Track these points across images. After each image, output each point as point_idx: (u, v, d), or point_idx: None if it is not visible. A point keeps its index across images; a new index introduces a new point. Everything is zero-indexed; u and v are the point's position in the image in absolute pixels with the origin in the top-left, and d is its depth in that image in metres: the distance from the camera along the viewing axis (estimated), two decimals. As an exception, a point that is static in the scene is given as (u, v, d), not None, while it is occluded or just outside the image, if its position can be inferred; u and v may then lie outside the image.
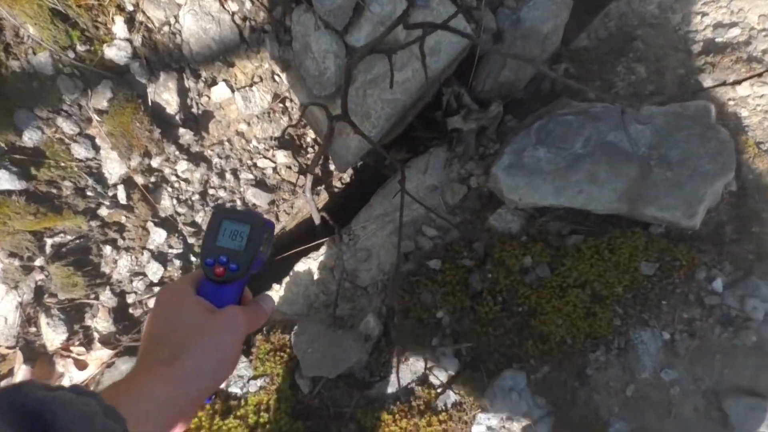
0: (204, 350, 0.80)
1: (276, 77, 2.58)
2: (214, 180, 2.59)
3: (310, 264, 2.67)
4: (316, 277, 2.64)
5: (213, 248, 0.91)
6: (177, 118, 2.38)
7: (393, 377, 2.24)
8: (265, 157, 2.68)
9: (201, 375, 0.79)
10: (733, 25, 2.53)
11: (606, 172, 2.19)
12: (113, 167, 2.29)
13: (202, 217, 2.59)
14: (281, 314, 2.60)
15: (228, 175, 2.62)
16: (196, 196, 2.56)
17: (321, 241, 2.72)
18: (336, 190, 2.98)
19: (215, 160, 2.59)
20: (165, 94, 2.32)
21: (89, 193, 2.27)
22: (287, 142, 2.75)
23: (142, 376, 0.76)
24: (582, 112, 2.26)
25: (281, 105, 2.65)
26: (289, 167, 2.75)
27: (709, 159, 2.12)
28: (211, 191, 2.61)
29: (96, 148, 2.26)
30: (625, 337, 2.12)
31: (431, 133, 2.72)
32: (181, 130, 2.41)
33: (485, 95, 2.53)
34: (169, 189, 2.49)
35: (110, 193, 2.33)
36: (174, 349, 0.79)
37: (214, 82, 2.46)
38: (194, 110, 2.47)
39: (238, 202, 2.67)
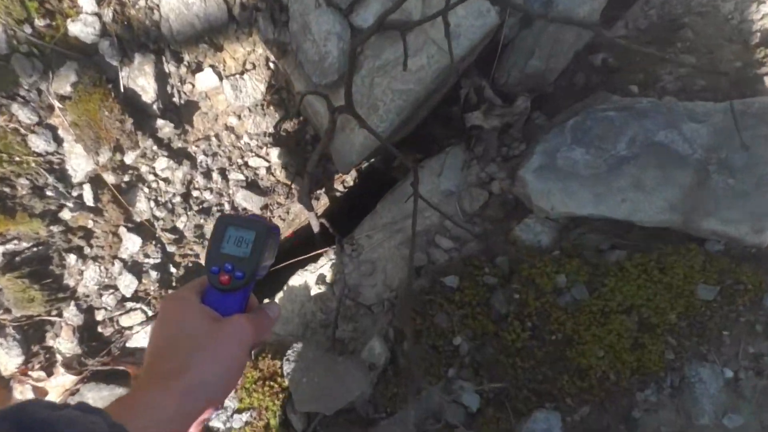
0: (210, 361, 0.79)
1: (271, 64, 2.25)
2: (199, 180, 2.27)
3: (307, 277, 2.34)
4: (313, 292, 2.30)
5: (217, 256, 0.90)
6: (154, 107, 2.05)
7: (402, 414, 1.91)
8: (257, 156, 2.36)
9: (207, 387, 0.78)
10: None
11: (655, 178, 1.86)
12: (78, 163, 1.97)
13: (184, 223, 2.26)
14: (273, 335, 2.27)
15: (215, 175, 2.30)
16: (178, 199, 2.23)
17: (320, 251, 2.39)
18: (337, 194, 2.65)
19: (200, 157, 2.27)
20: (140, 80, 1.99)
21: (49, 193, 1.94)
22: (283, 139, 2.42)
23: (147, 390, 0.75)
24: (625, 108, 1.93)
25: (277, 96, 2.32)
26: (285, 167, 2.42)
27: (779, 164, 1.79)
28: (195, 193, 2.28)
29: (58, 141, 1.94)
30: (679, 374, 1.79)
31: (447, 130, 2.40)
32: (160, 122, 2.08)
33: (510, 88, 2.21)
34: (146, 190, 2.16)
35: (74, 193, 2.00)
36: (179, 361, 0.78)
37: (198, 68, 2.13)
38: (175, 99, 2.14)
39: (227, 206, 2.34)
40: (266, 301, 2.36)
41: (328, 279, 2.31)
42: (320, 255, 2.38)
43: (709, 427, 1.75)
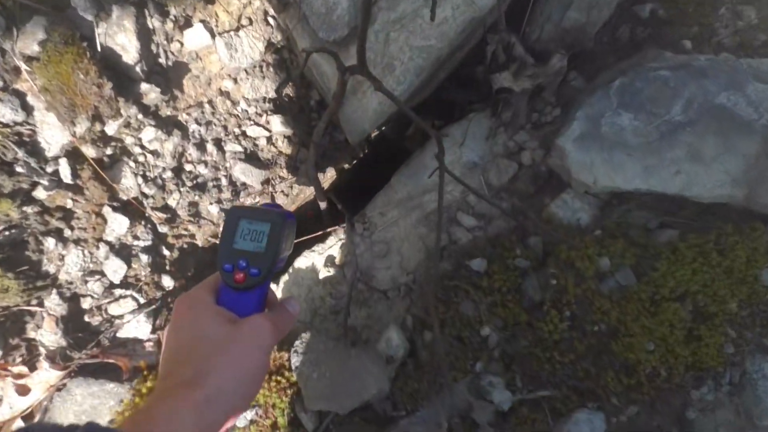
0: (229, 368, 0.75)
1: (270, 19, 1.99)
2: (192, 153, 2.02)
3: (315, 259, 2.12)
4: (321, 275, 2.08)
5: (230, 252, 0.86)
6: (137, 69, 1.79)
7: (424, 412, 1.71)
8: (257, 124, 2.11)
9: (228, 395, 0.74)
10: None
11: (714, 147, 1.62)
12: (52, 135, 1.72)
13: (176, 200, 2.03)
14: (278, 322, 2.05)
15: (210, 147, 2.05)
16: (169, 173, 1.99)
17: (328, 230, 2.16)
18: (346, 166, 2.41)
19: (192, 126, 2.02)
20: (120, 37, 1.73)
21: (20, 170, 1.70)
22: (285, 105, 2.17)
23: (164, 401, 0.70)
24: (681, 66, 1.68)
25: (277, 56, 2.06)
26: (288, 137, 2.18)
27: None
28: (188, 167, 2.04)
29: (27, 109, 1.68)
30: (739, 369, 1.59)
31: (470, 94, 2.14)
32: (144, 86, 1.83)
33: (543, 45, 1.95)
34: (132, 164, 1.92)
35: (49, 169, 1.75)
36: (196, 369, 0.74)
37: (187, 23, 1.87)
38: (162, 60, 1.88)
39: (224, 181, 2.11)
40: (279, 295, 2.14)
41: (338, 261, 2.09)
42: (328, 234, 2.16)
43: (773, 429, 1.55)
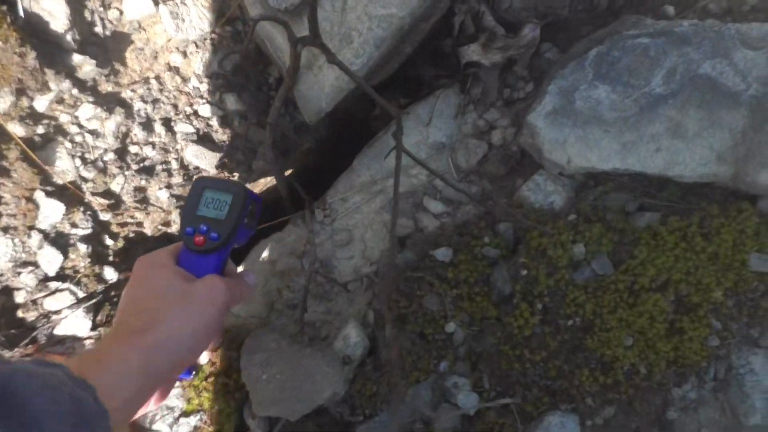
0: (180, 319, 0.77)
1: (221, -13, 1.83)
2: (138, 133, 1.86)
3: (272, 248, 1.96)
4: (279, 266, 1.93)
5: (193, 217, 0.90)
6: (68, 38, 1.63)
7: (383, 416, 1.56)
8: (210, 103, 1.95)
9: (176, 344, 0.75)
10: None
11: (698, 121, 1.48)
12: (-30, 111, 1.56)
13: (120, 185, 1.87)
14: (232, 317, 1.90)
15: (158, 127, 1.89)
16: (111, 155, 1.83)
17: (287, 218, 2.01)
18: (309, 148, 2.25)
19: (138, 105, 1.86)
20: (46, 1, 1.56)
21: (-67, 149, 1.54)
22: (242, 83, 2.01)
23: (112, 345, 0.72)
24: (662, 33, 1.53)
25: (230, 28, 1.90)
26: (245, 116, 2.02)
27: None
28: (133, 149, 1.88)
29: (-60, 81, 1.52)
30: (725, 364, 1.45)
31: (437, 69, 1.99)
32: (77, 58, 1.66)
33: (515, 14, 1.80)
34: (68, 144, 1.75)
35: (-32, 150, 1.59)
36: (148, 318, 0.76)
37: (127, -11, 1.71)
38: (98, 30, 1.72)
39: (174, 164, 1.95)
40: (241, 269, 1.99)
41: (297, 250, 1.94)
42: (287, 222, 2.00)
43: (762, 428, 1.42)
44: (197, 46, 1.87)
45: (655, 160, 1.49)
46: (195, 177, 1.97)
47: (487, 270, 1.58)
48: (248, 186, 1.87)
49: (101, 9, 1.69)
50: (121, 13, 1.73)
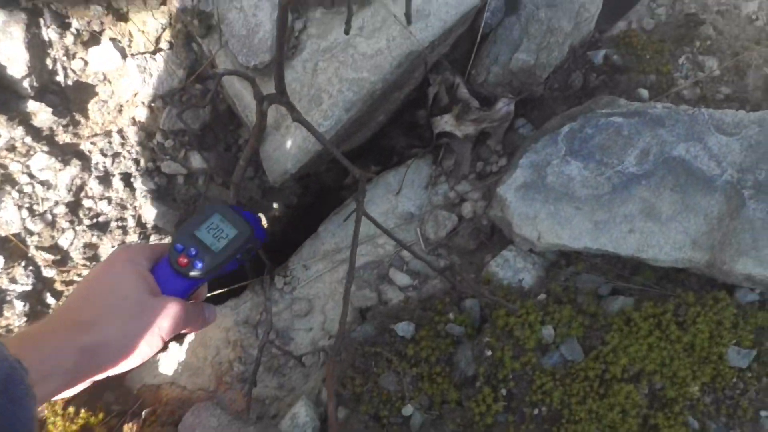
0: (123, 330, 0.77)
1: (194, 44, 1.80)
2: (93, 187, 1.78)
3: (227, 316, 1.84)
4: (232, 336, 1.81)
5: (188, 235, 0.87)
6: (25, 85, 1.57)
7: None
8: (174, 160, 1.88)
9: (110, 352, 0.75)
10: (830, 15, 1.83)
11: (672, 204, 1.43)
12: None
13: (69, 240, 1.76)
14: (178, 389, 1.76)
15: (116, 182, 1.81)
16: (62, 208, 1.74)
17: (245, 283, 1.90)
18: (276, 213, 2.17)
19: (97, 158, 1.78)
20: (4, 45, 1.51)
21: None
22: (209, 141, 1.95)
23: (53, 331, 0.73)
24: (636, 113, 1.51)
25: (201, 85, 1.86)
26: (210, 176, 1.95)
27: (834, 191, 1.37)
28: (87, 203, 1.78)
29: None
30: (703, 468, 1.33)
31: (411, 139, 1.95)
32: (33, 105, 1.60)
33: (490, 88, 1.78)
34: (15, 195, 1.66)
35: None
36: (95, 314, 0.76)
37: (94, 40, 1.66)
38: (59, 78, 1.66)
39: (131, 221, 1.85)
40: (183, 357, 1.85)
41: (252, 319, 1.82)
42: (245, 288, 1.89)
43: None
44: (165, 101, 1.82)
45: (628, 242, 1.43)
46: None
47: (450, 348, 1.48)
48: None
49: (65, 58, 1.64)
50: (86, 63, 1.68)
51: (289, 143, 1.66)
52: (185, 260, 0.85)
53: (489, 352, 1.41)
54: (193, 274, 0.85)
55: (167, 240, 1.93)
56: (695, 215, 1.41)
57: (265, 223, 2.01)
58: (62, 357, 0.69)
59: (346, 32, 1.11)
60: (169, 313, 0.81)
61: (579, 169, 1.49)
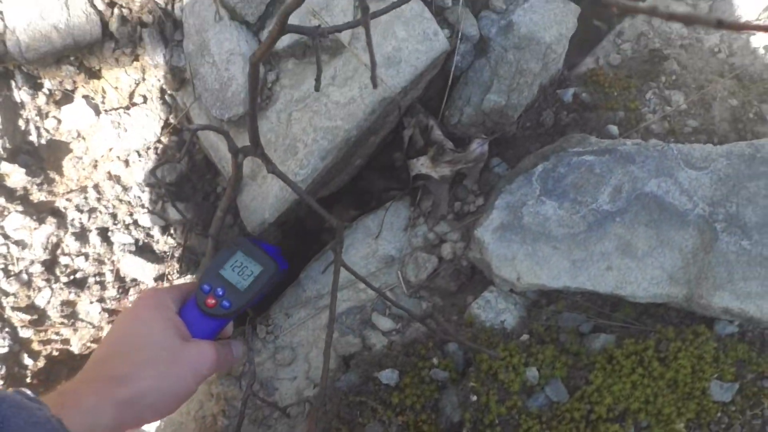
0: (160, 380, 0.76)
1: (168, 98, 1.81)
2: (70, 244, 1.76)
3: (209, 368, 1.81)
4: (215, 389, 1.78)
5: (215, 275, 0.86)
6: (-3, 146, 1.57)
7: None
8: (151, 212, 1.87)
9: (147, 404, 0.75)
10: (789, 47, 1.89)
11: (647, 240, 1.44)
12: None
13: (46, 298, 1.74)
14: (160, 445, 1.72)
15: (93, 237, 1.79)
16: (38, 267, 1.72)
17: (225, 339, 1.87)
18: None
19: (72, 214, 1.77)
20: (-25, 110, 1.51)
21: None
22: (187, 192, 1.95)
23: (90, 388, 0.73)
24: (607, 151, 1.53)
25: (176, 138, 1.86)
26: (189, 227, 1.94)
27: (804, 222, 1.40)
28: (63, 260, 1.77)
29: None
30: (693, 506, 1.32)
31: (389, 182, 1.96)
32: (6, 167, 1.59)
33: (464, 130, 1.80)
34: (-10, 255, 1.64)
35: None
36: (130, 367, 0.76)
37: (67, 99, 1.67)
38: (32, 138, 1.66)
39: (109, 276, 1.83)
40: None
41: (235, 370, 1.80)
42: (227, 339, 1.87)
43: None
44: (140, 155, 1.82)
45: (606, 279, 1.44)
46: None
47: (435, 394, 1.47)
48: None
49: (37, 118, 1.64)
50: (59, 121, 1.68)
51: (266, 193, 1.67)
52: (213, 301, 0.86)
53: (474, 397, 1.40)
54: (221, 314, 0.87)
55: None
56: (670, 250, 1.43)
57: None
58: (101, 413, 0.71)
59: (317, 89, 1.12)
60: (203, 357, 0.83)
61: (554, 209, 1.50)
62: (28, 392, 0.63)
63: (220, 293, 0.86)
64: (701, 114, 1.74)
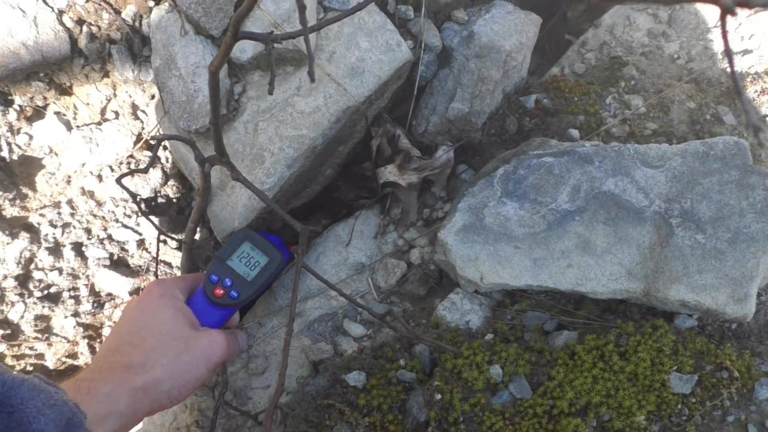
0: (173, 368, 0.79)
1: (140, 113, 1.84)
2: (43, 258, 1.78)
3: (183, 379, 1.82)
4: (189, 399, 1.79)
5: (222, 266, 0.89)
6: (-32, 161, 1.60)
7: None
8: (125, 226, 1.90)
9: (161, 391, 0.78)
10: (746, 52, 1.94)
11: (606, 237, 1.47)
12: None
13: (20, 313, 1.75)
14: (134, 458, 1.72)
15: (67, 252, 1.82)
16: (11, 282, 1.74)
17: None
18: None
19: (46, 229, 1.79)
20: (-54, 125, 1.55)
21: None
22: (161, 206, 1.98)
23: (106, 376, 0.74)
24: (565, 153, 1.57)
25: (149, 152, 1.90)
26: (164, 240, 1.96)
27: (756, 215, 1.43)
28: (37, 275, 1.79)
29: None
30: (656, 499, 1.33)
31: (359, 191, 2.00)
32: (-24, 182, 1.62)
33: (431, 138, 1.84)
34: (-38, 270, 1.66)
35: None
36: (144, 357, 0.78)
37: (38, 115, 1.70)
38: (4, 154, 1.69)
39: (83, 290, 1.85)
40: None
41: (209, 381, 1.81)
42: (200, 349, 1.88)
43: None
44: (113, 170, 1.85)
45: (566, 277, 1.46)
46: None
47: (402, 395, 1.48)
48: None
49: (9, 134, 1.68)
50: (31, 137, 1.71)
51: (234, 202, 1.69)
52: (221, 291, 0.89)
53: (438, 396, 1.41)
54: (229, 304, 0.89)
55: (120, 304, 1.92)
56: (628, 246, 1.46)
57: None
58: (116, 400, 0.73)
59: (270, 92, 1.15)
60: (214, 345, 0.85)
61: (515, 210, 1.54)
62: (46, 378, 0.64)
63: (228, 284, 0.89)
64: (660, 117, 1.79)
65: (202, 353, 0.84)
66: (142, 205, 1.91)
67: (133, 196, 1.86)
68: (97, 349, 1.89)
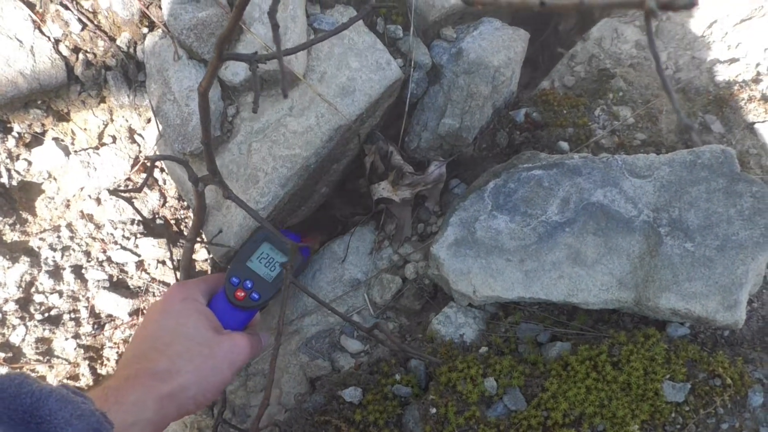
0: (199, 374, 0.80)
1: (137, 136, 1.88)
2: (44, 281, 1.81)
3: (183, 399, 1.84)
4: (189, 418, 1.80)
5: (242, 268, 0.88)
6: (-32, 188, 1.63)
7: None
8: (124, 248, 1.93)
9: (187, 397, 0.78)
10: (733, 61, 1.96)
11: (596, 247, 1.49)
12: None
13: (21, 336, 1.78)
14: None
15: (67, 275, 1.84)
16: (12, 305, 1.76)
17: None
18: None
19: (46, 253, 1.82)
20: (-54, 154, 1.58)
21: None
22: (159, 227, 2.00)
23: (132, 384, 0.75)
24: (554, 165, 1.59)
25: (145, 175, 1.93)
26: (162, 261, 1.99)
27: (744, 222, 1.44)
28: (38, 298, 1.81)
29: None
30: (653, 508, 1.33)
31: (354, 208, 2.02)
32: (-24, 208, 1.65)
33: (423, 154, 1.87)
34: (-37, 295, 1.69)
35: None
36: (170, 364, 0.79)
37: (37, 141, 1.74)
38: (4, 180, 1.72)
39: (84, 312, 1.87)
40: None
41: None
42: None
43: None
44: (110, 193, 1.88)
45: (558, 288, 1.48)
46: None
47: (398, 410, 1.49)
48: None
49: (8, 160, 1.71)
50: (30, 163, 1.75)
51: (230, 222, 1.72)
52: (242, 293, 0.88)
53: (434, 410, 1.42)
54: (250, 306, 0.87)
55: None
56: (618, 256, 1.47)
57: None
58: (144, 408, 0.74)
59: (254, 111, 1.18)
60: (237, 348, 0.86)
61: (506, 222, 1.55)
62: (74, 387, 0.66)
63: (249, 285, 0.88)
64: (648, 127, 1.81)
65: (226, 357, 0.84)
66: (140, 227, 1.94)
67: (130, 202, 1.89)
68: (99, 370, 1.91)
